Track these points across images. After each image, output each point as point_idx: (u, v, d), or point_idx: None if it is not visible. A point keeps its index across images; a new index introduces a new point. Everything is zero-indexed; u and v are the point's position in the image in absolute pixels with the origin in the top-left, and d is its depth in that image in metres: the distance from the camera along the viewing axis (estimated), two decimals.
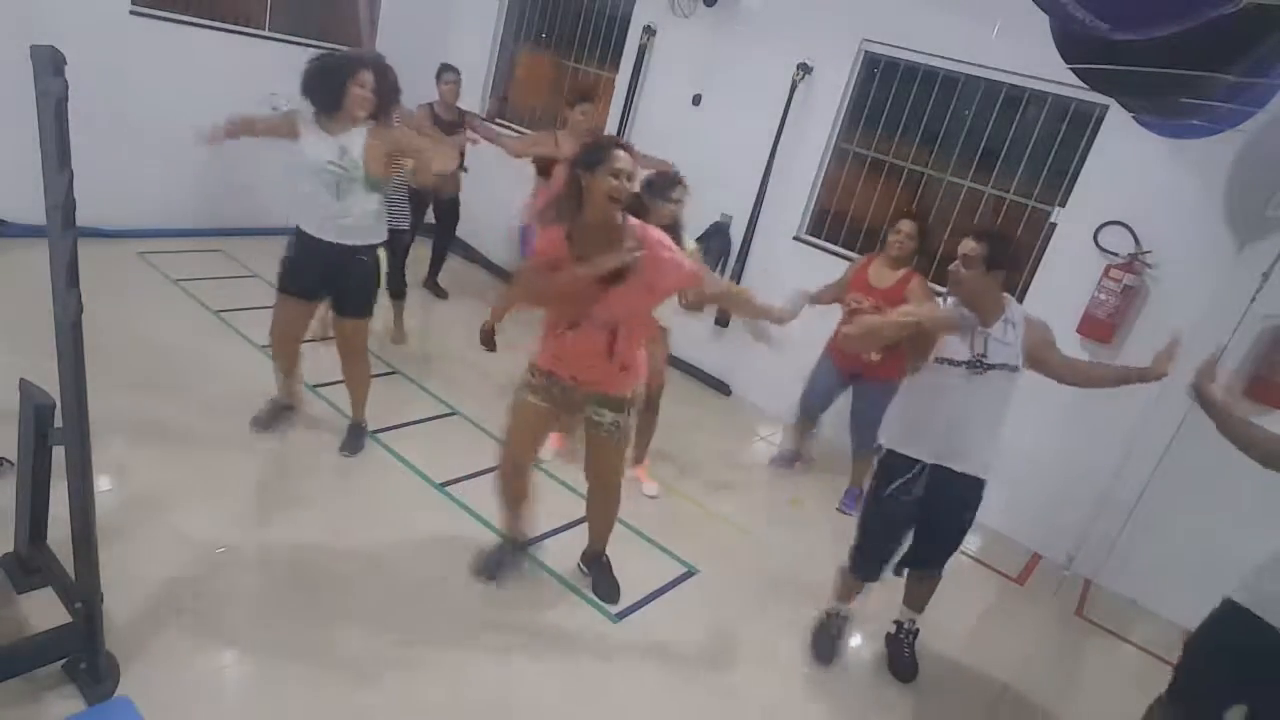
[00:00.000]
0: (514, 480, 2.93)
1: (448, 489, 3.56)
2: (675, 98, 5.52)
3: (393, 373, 4.48)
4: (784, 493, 4.39)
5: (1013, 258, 2.70)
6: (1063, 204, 4.24)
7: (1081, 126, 4.17)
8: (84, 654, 2.17)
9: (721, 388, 5.50)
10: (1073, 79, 2.88)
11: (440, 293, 5.85)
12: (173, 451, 3.29)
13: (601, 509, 3.10)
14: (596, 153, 2.47)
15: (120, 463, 3.12)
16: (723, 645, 3.09)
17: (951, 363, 2.60)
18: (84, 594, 2.11)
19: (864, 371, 4.05)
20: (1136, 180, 3.96)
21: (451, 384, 4.54)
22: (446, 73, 5.14)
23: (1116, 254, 4.02)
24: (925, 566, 3.04)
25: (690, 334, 5.63)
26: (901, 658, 3.15)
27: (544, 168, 4.54)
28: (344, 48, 5.27)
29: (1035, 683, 3.41)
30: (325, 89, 3.10)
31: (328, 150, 3.14)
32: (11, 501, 2.39)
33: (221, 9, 5.43)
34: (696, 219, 5.41)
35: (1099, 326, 3.99)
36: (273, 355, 3.62)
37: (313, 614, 2.68)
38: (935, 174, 4.74)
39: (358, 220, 3.26)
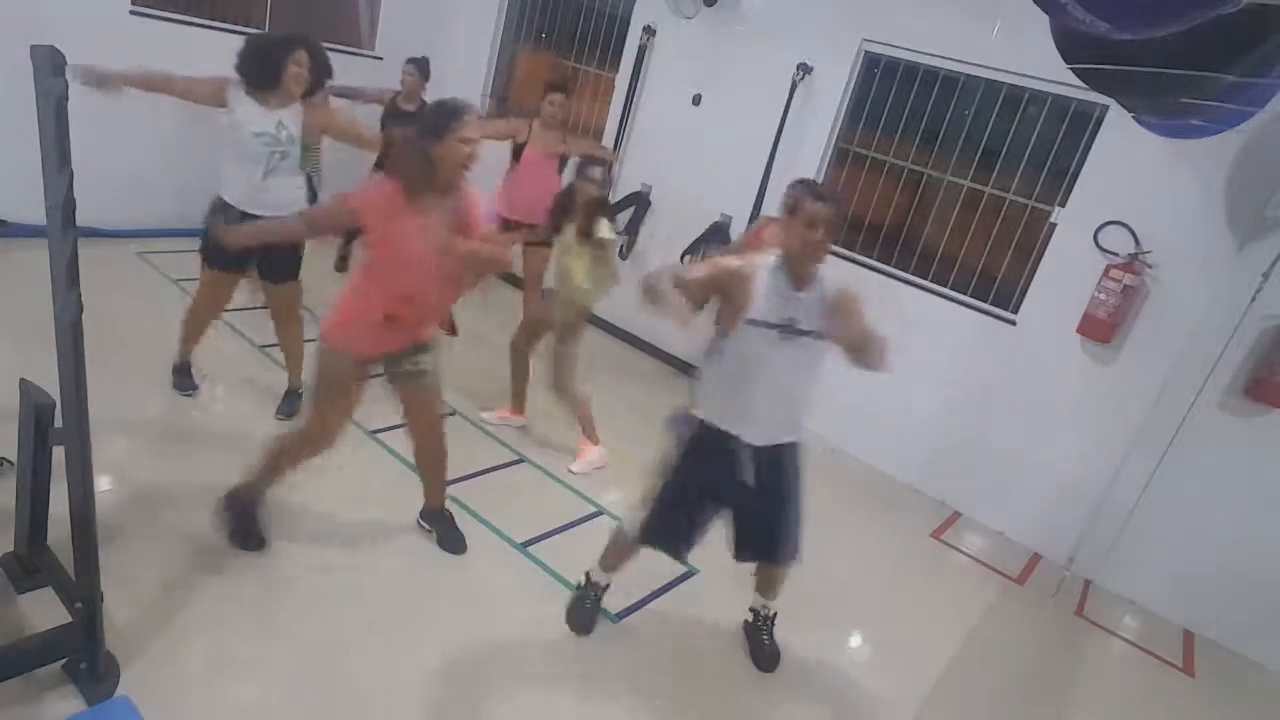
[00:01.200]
0: (305, 462, 2.86)
1: (448, 488, 3.55)
2: (675, 98, 5.51)
3: None
4: None
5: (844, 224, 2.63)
6: (1063, 204, 4.24)
7: (1081, 126, 4.17)
8: (84, 654, 2.17)
9: None
10: (1073, 79, 2.87)
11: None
12: (173, 451, 3.29)
13: (436, 462, 3.07)
14: (446, 119, 2.48)
15: (120, 463, 3.12)
16: (722, 645, 3.09)
17: (766, 325, 2.42)
18: (84, 594, 2.11)
19: None
20: (1136, 180, 3.96)
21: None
22: (408, 64, 5.17)
23: (1116, 254, 4.02)
24: (772, 557, 2.83)
25: (690, 334, 5.63)
26: (762, 647, 3.00)
27: (517, 153, 4.77)
28: (345, 48, 5.27)
29: (1035, 683, 3.41)
30: (263, 66, 3.21)
31: (264, 122, 3.23)
32: (11, 501, 2.39)
33: (221, 9, 5.44)
34: (696, 219, 5.42)
35: (1099, 326, 3.99)
36: (186, 329, 3.69)
37: (313, 613, 2.69)
38: (935, 174, 4.73)
39: (281, 192, 3.33)
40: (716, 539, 3.74)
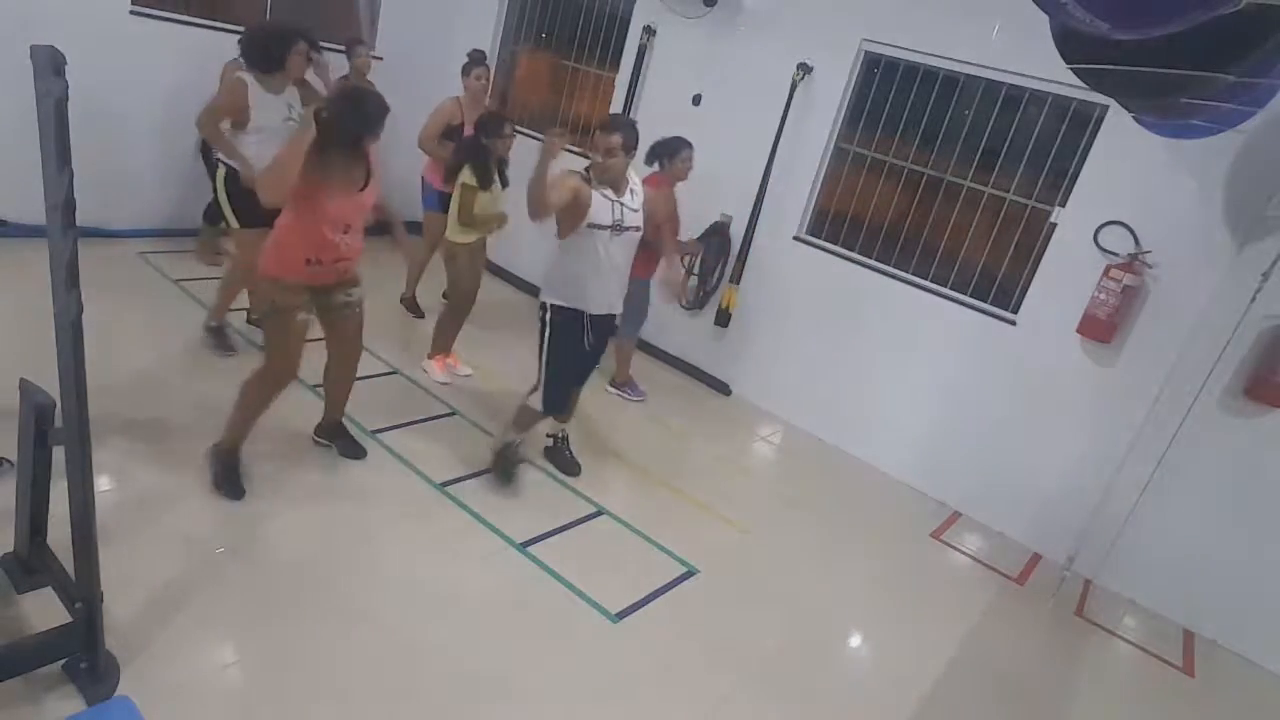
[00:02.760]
0: (272, 398, 3.14)
1: (448, 488, 3.56)
2: (675, 98, 5.51)
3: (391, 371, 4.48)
4: (784, 492, 4.39)
5: (637, 139, 3.32)
6: (1063, 204, 4.24)
7: (1081, 126, 4.17)
8: (84, 654, 2.17)
9: (721, 388, 5.51)
10: (1073, 79, 2.87)
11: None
12: (173, 451, 3.29)
13: (347, 379, 3.48)
14: (369, 125, 2.98)
15: (120, 463, 3.12)
16: (722, 645, 3.09)
17: (600, 227, 3.25)
18: (84, 594, 2.11)
19: (644, 273, 4.47)
20: (1136, 180, 3.96)
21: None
22: (358, 46, 5.22)
23: (1116, 254, 4.02)
24: (579, 383, 3.76)
25: (690, 334, 5.64)
26: (565, 458, 3.94)
27: (448, 133, 4.93)
28: (344, 48, 5.29)
29: (1035, 683, 3.41)
30: (271, 53, 3.74)
31: (280, 108, 3.80)
32: (11, 501, 2.39)
33: (221, 9, 5.43)
34: (696, 219, 5.42)
35: (1099, 326, 3.99)
36: (223, 293, 4.19)
37: (312, 612, 2.69)
38: (935, 174, 4.73)
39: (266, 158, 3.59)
40: (710, 541, 3.76)
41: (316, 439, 3.60)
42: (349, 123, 2.92)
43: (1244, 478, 3.86)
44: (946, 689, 3.16)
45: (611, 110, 5.85)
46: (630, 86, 5.69)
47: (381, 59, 5.50)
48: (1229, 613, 3.94)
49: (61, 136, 1.78)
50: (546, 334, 3.42)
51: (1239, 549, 3.89)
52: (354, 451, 3.58)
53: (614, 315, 3.55)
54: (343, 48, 5.31)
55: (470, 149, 4.27)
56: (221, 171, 3.83)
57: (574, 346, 3.44)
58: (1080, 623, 3.92)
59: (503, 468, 3.66)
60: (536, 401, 3.53)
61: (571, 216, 3.24)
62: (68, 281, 1.87)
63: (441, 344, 4.60)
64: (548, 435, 3.96)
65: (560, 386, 3.54)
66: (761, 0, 5.10)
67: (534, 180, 3.02)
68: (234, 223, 3.91)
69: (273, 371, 3.10)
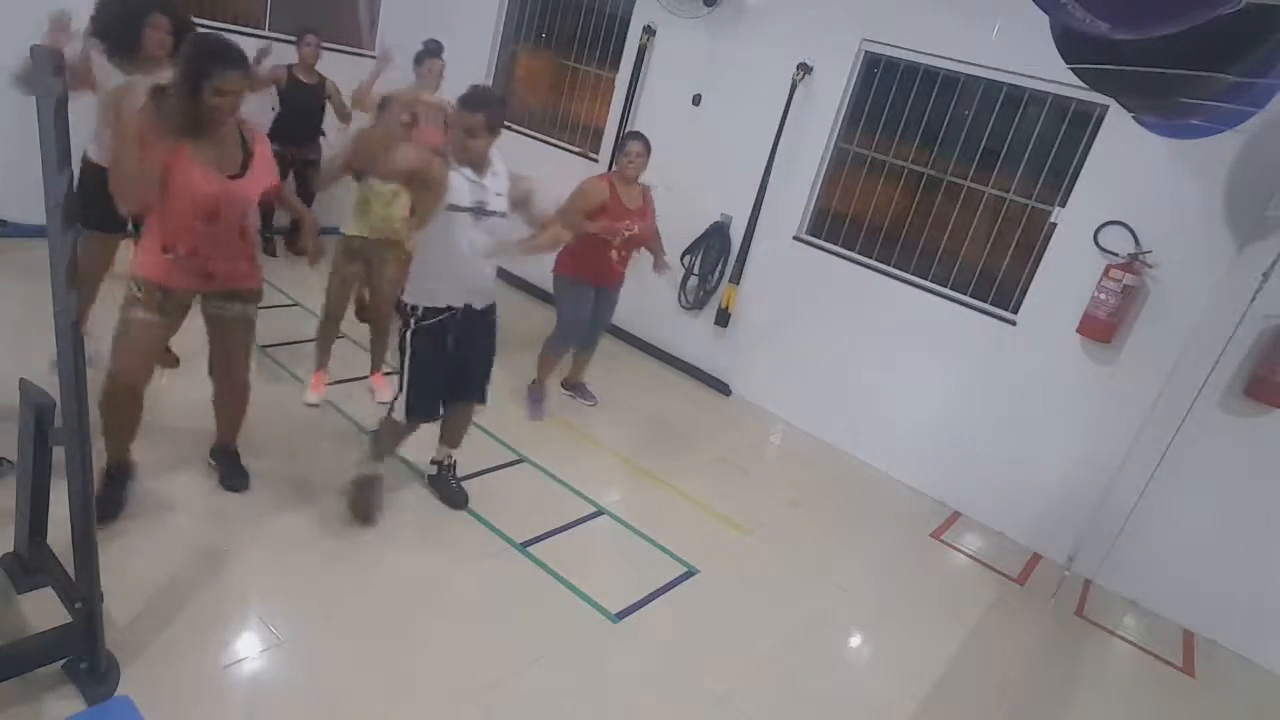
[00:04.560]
0: (128, 405, 2.77)
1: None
2: (675, 98, 5.52)
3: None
4: (784, 492, 4.40)
5: (502, 119, 2.99)
6: (1063, 204, 4.24)
7: (1081, 126, 4.17)
8: (84, 654, 2.17)
9: (721, 388, 5.51)
10: (1073, 79, 2.88)
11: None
12: (173, 451, 3.29)
13: (235, 405, 3.13)
14: (203, 65, 2.45)
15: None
16: (722, 645, 3.09)
17: (460, 208, 2.91)
18: (84, 594, 2.11)
19: (610, 281, 4.38)
20: (1136, 180, 3.96)
21: None
22: (306, 35, 5.20)
23: (1116, 254, 4.02)
24: (468, 398, 3.31)
25: (690, 334, 5.64)
26: (451, 490, 3.47)
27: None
28: (345, 48, 5.27)
29: (1035, 683, 3.41)
30: (123, 25, 3.18)
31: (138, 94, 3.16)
32: (11, 501, 2.39)
33: (221, 8, 5.43)
34: (696, 219, 5.43)
35: (1099, 326, 3.99)
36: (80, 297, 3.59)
37: (312, 612, 2.69)
38: (935, 174, 4.73)
39: None
40: (710, 541, 3.76)
41: (209, 460, 3.25)
42: (184, 66, 2.46)
43: (1244, 478, 3.86)
44: (946, 689, 3.16)
45: (611, 110, 5.87)
46: (630, 86, 5.70)
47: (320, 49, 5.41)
48: (1229, 613, 3.93)
49: (61, 136, 1.78)
50: (408, 334, 3.04)
51: (1239, 549, 3.89)
52: (235, 482, 3.17)
53: (488, 308, 3.17)
54: (343, 48, 5.31)
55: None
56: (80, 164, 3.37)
57: (436, 347, 3.06)
58: (1080, 623, 3.92)
59: (360, 501, 3.19)
60: (398, 407, 3.12)
61: (427, 197, 2.91)
62: (68, 281, 1.88)
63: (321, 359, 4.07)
64: (432, 462, 3.51)
65: (424, 392, 3.11)
66: (761, 0, 5.10)
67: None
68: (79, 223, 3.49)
69: (111, 373, 2.69)
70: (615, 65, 5.91)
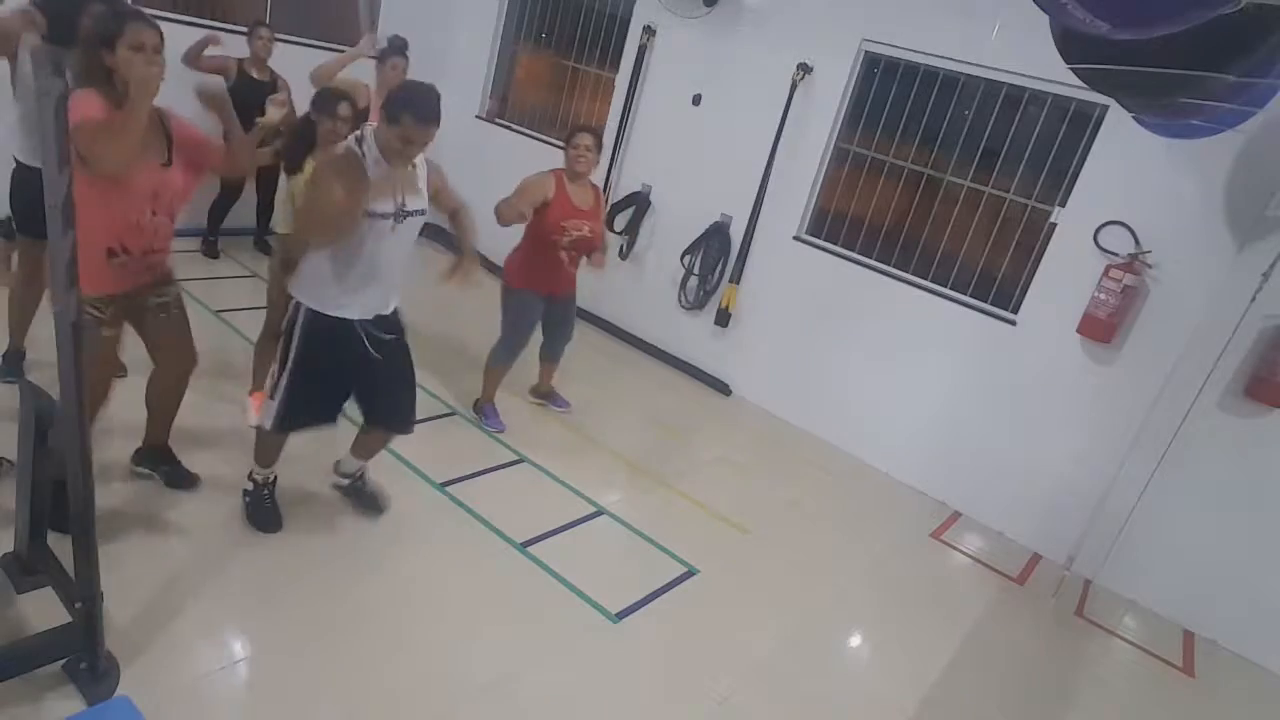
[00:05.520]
0: (94, 414, 2.68)
1: (449, 488, 3.56)
2: (675, 98, 5.52)
3: None
4: (784, 492, 4.40)
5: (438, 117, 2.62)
6: (1063, 204, 4.24)
7: (1081, 126, 4.17)
8: (84, 654, 2.17)
9: (721, 388, 5.51)
10: (1073, 79, 2.87)
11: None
12: (172, 451, 3.29)
13: (172, 397, 2.96)
14: (111, 24, 2.29)
15: (120, 463, 3.11)
16: (722, 645, 3.09)
17: (381, 215, 2.59)
18: (84, 594, 2.11)
19: (561, 288, 4.15)
20: (1136, 180, 3.96)
21: None
22: (259, 28, 5.07)
23: (1116, 254, 4.02)
24: (392, 428, 3.06)
25: (690, 334, 5.64)
26: (368, 495, 3.22)
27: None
28: (345, 48, 5.27)
29: (1035, 683, 3.41)
30: (62, 13, 2.88)
31: None
32: (11, 501, 2.39)
33: (222, 9, 5.43)
34: (696, 219, 5.43)
35: (1099, 326, 3.99)
36: (15, 307, 3.40)
37: (312, 612, 2.69)
38: (935, 174, 4.73)
39: None
40: (709, 541, 3.76)
41: (135, 468, 3.06)
42: (92, 27, 2.32)
43: (1244, 478, 3.86)
44: (946, 689, 3.16)
45: (611, 110, 5.87)
46: (630, 86, 5.70)
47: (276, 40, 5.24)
48: (1229, 613, 3.93)
49: (61, 136, 1.78)
50: (294, 339, 2.68)
51: (1239, 549, 3.89)
52: (179, 481, 3.05)
53: (394, 314, 2.85)
54: (343, 48, 5.30)
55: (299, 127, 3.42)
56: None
57: (328, 359, 2.72)
58: (1080, 623, 3.92)
59: (259, 511, 3.00)
60: (265, 413, 2.78)
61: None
62: (68, 281, 1.88)
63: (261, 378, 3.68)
64: (342, 475, 3.23)
65: (302, 402, 2.76)
66: (761, 0, 5.10)
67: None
68: (13, 226, 3.26)
69: (91, 402, 2.53)
70: (615, 65, 5.91)
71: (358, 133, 2.63)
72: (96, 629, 2.14)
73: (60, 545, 2.24)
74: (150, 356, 2.89)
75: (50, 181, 1.79)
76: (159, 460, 3.08)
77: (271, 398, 2.77)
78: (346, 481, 3.25)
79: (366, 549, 3.06)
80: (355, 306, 2.70)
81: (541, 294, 4.07)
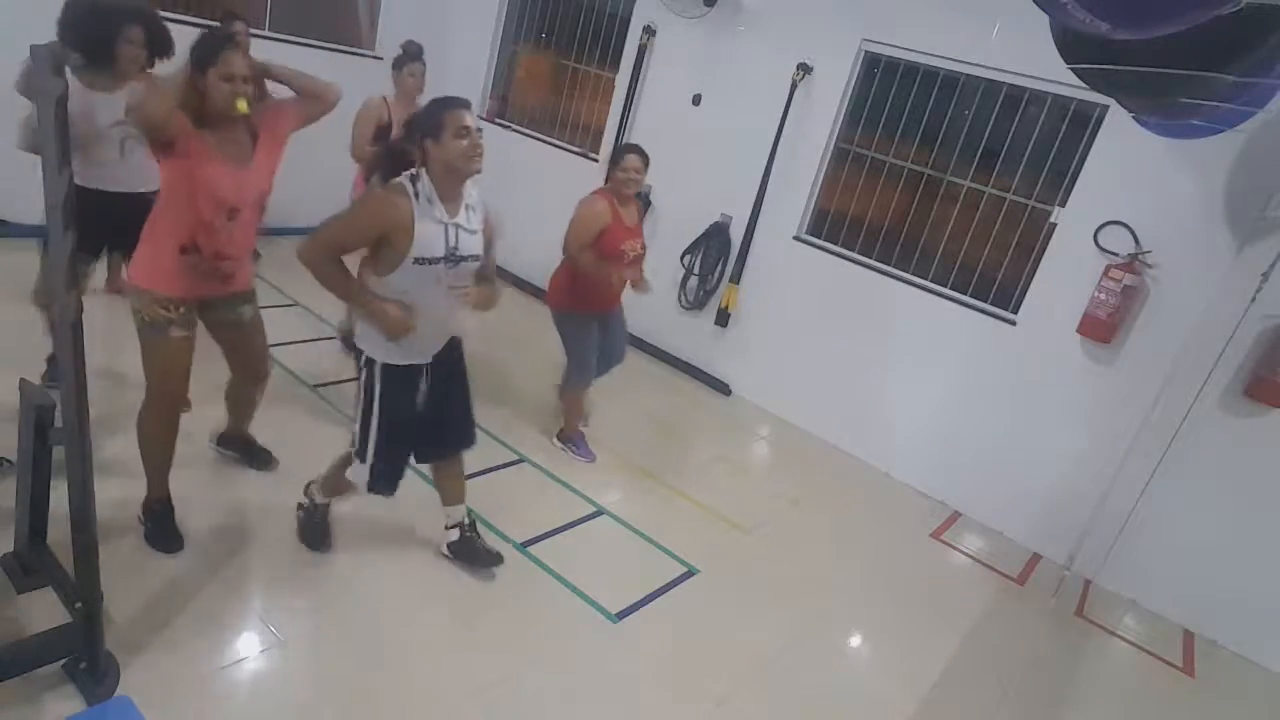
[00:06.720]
0: (170, 432, 2.74)
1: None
2: (675, 98, 5.52)
3: None
4: (784, 492, 4.40)
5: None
6: (1063, 204, 4.24)
7: (1081, 126, 4.17)
8: (84, 654, 2.17)
9: (721, 388, 5.51)
10: (1073, 79, 2.87)
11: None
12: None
13: (252, 399, 3.16)
14: (207, 52, 2.39)
15: (120, 463, 3.11)
16: (722, 645, 3.09)
17: (430, 261, 2.46)
18: (84, 594, 2.11)
19: (612, 304, 4.05)
20: (1136, 180, 3.96)
21: None
22: (235, 21, 4.87)
23: (1116, 254, 4.02)
24: (457, 447, 2.96)
25: (690, 334, 5.64)
26: (479, 551, 3.06)
27: (376, 135, 4.09)
28: (345, 48, 5.25)
29: (1035, 683, 3.41)
30: (92, 36, 2.95)
31: (112, 111, 3.03)
32: (11, 501, 2.39)
33: (221, 8, 5.43)
34: (696, 219, 5.43)
35: (1099, 326, 3.99)
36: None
37: (312, 612, 2.69)
38: (935, 174, 4.73)
39: (137, 167, 3.15)
40: (709, 541, 3.76)
41: (217, 449, 3.29)
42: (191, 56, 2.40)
43: (1244, 478, 3.86)
44: (946, 689, 3.16)
45: (611, 109, 5.87)
46: (630, 86, 5.70)
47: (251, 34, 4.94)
48: (1229, 613, 3.93)
49: (61, 136, 1.78)
50: (375, 397, 2.61)
51: (1239, 549, 3.89)
52: (263, 462, 3.30)
53: (455, 343, 2.79)
54: (343, 48, 5.29)
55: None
56: None
57: (407, 406, 2.67)
58: (1080, 623, 3.92)
59: (312, 532, 3.00)
60: (358, 475, 2.71)
61: (390, 250, 2.42)
62: (68, 281, 1.88)
63: None
64: (448, 528, 3.07)
65: (392, 455, 2.72)
66: (761, 0, 5.10)
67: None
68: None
69: (152, 398, 2.68)
70: (615, 65, 5.91)
71: (411, 171, 2.46)
72: (96, 629, 2.14)
73: (60, 545, 2.24)
74: (228, 363, 3.01)
75: (50, 181, 1.79)
76: (234, 445, 3.31)
77: (361, 461, 2.67)
78: (457, 535, 3.06)
79: (366, 549, 3.06)
80: (419, 354, 2.65)
81: (594, 313, 3.96)
